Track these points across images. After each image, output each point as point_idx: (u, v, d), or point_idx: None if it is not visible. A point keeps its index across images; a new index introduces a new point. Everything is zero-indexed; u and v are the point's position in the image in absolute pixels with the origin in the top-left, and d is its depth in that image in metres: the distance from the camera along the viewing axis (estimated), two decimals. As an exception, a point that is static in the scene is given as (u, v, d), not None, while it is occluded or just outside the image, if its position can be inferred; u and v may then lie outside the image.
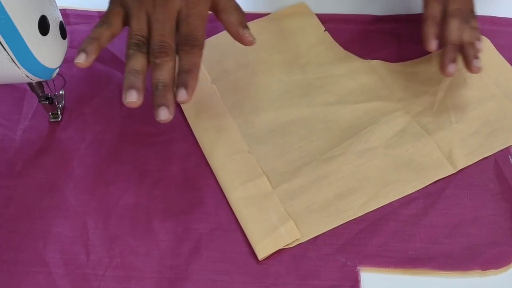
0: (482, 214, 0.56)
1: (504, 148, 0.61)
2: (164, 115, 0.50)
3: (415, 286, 0.52)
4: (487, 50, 0.69)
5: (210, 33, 0.72)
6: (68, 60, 0.68)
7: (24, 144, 0.62)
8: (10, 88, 0.67)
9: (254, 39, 0.56)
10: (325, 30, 0.72)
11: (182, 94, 0.50)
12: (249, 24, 0.72)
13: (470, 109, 0.63)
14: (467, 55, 0.59)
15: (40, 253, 0.54)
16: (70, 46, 0.70)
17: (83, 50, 0.51)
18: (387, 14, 0.74)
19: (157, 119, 0.50)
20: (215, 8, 0.57)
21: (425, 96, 0.65)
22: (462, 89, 0.65)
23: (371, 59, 0.69)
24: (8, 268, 0.53)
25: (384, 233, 0.55)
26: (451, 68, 0.58)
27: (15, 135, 0.63)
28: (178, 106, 0.65)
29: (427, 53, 0.69)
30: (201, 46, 0.54)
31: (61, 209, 0.57)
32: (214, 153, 0.61)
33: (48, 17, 0.50)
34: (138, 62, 0.52)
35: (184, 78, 0.51)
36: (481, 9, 0.74)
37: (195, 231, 0.56)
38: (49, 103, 0.61)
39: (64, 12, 0.74)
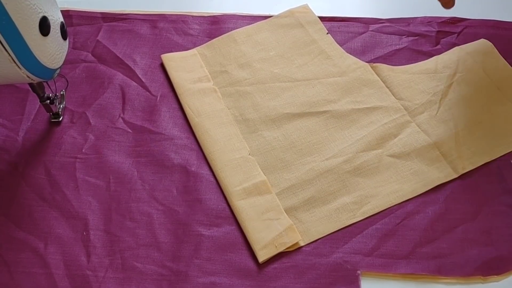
0: (484, 219, 0.56)
1: (507, 153, 0.60)
2: None
3: (415, 291, 0.52)
4: (490, 54, 0.69)
5: (212, 35, 0.72)
6: (70, 61, 0.69)
7: (26, 145, 0.62)
8: (13, 89, 0.67)
9: None
10: (327, 33, 0.72)
11: None
12: (252, 26, 0.73)
13: (473, 114, 0.63)
14: None
15: (41, 254, 0.54)
16: (73, 47, 0.71)
17: None
18: (390, 17, 0.74)
19: None
20: None
21: (427, 100, 0.64)
22: (465, 93, 0.65)
23: (374, 62, 0.69)
24: (9, 269, 0.53)
25: (385, 238, 0.55)
26: None
27: (17, 136, 0.63)
28: (180, 107, 0.65)
29: (430, 56, 0.69)
30: None
31: (63, 211, 0.57)
32: (215, 155, 0.61)
33: (49, 18, 0.50)
34: None
35: None
36: (484, 13, 0.74)
37: (195, 233, 0.56)
38: (50, 103, 0.61)
39: (67, 13, 0.74)
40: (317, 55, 0.70)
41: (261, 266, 0.53)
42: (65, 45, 0.55)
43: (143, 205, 0.58)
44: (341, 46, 0.71)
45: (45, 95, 0.60)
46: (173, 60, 0.69)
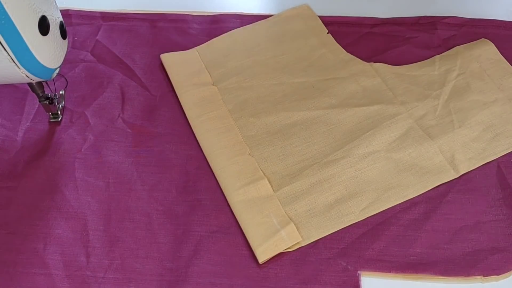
0: (484, 219, 0.56)
1: (507, 153, 0.60)
2: None
3: (416, 291, 0.52)
4: (491, 53, 0.69)
5: (212, 35, 0.72)
6: (69, 61, 0.69)
7: (25, 145, 0.62)
8: (12, 89, 0.67)
9: None
10: (328, 33, 0.72)
11: None
12: (252, 25, 0.73)
13: (473, 114, 0.63)
14: None
15: (40, 255, 0.54)
16: (73, 47, 0.71)
17: None
18: (390, 17, 0.74)
19: None
20: None
21: (428, 100, 0.64)
22: (465, 93, 0.65)
23: (374, 62, 0.68)
24: (8, 270, 0.53)
25: (385, 238, 0.55)
26: None
27: (16, 136, 0.63)
28: (179, 107, 0.65)
29: (430, 56, 0.69)
30: None
31: (62, 211, 0.57)
32: (215, 155, 0.60)
33: (48, 17, 0.50)
34: None
35: None
36: (485, 13, 0.74)
37: (195, 234, 0.55)
38: (49, 103, 0.61)
39: (66, 12, 0.74)
40: (318, 55, 0.70)
41: (261, 266, 0.53)
42: (64, 44, 0.55)
43: (143, 205, 0.58)
44: (341, 46, 0.71)
45: (44, 94, 0.60)
46: (172, 60, 0.69)
